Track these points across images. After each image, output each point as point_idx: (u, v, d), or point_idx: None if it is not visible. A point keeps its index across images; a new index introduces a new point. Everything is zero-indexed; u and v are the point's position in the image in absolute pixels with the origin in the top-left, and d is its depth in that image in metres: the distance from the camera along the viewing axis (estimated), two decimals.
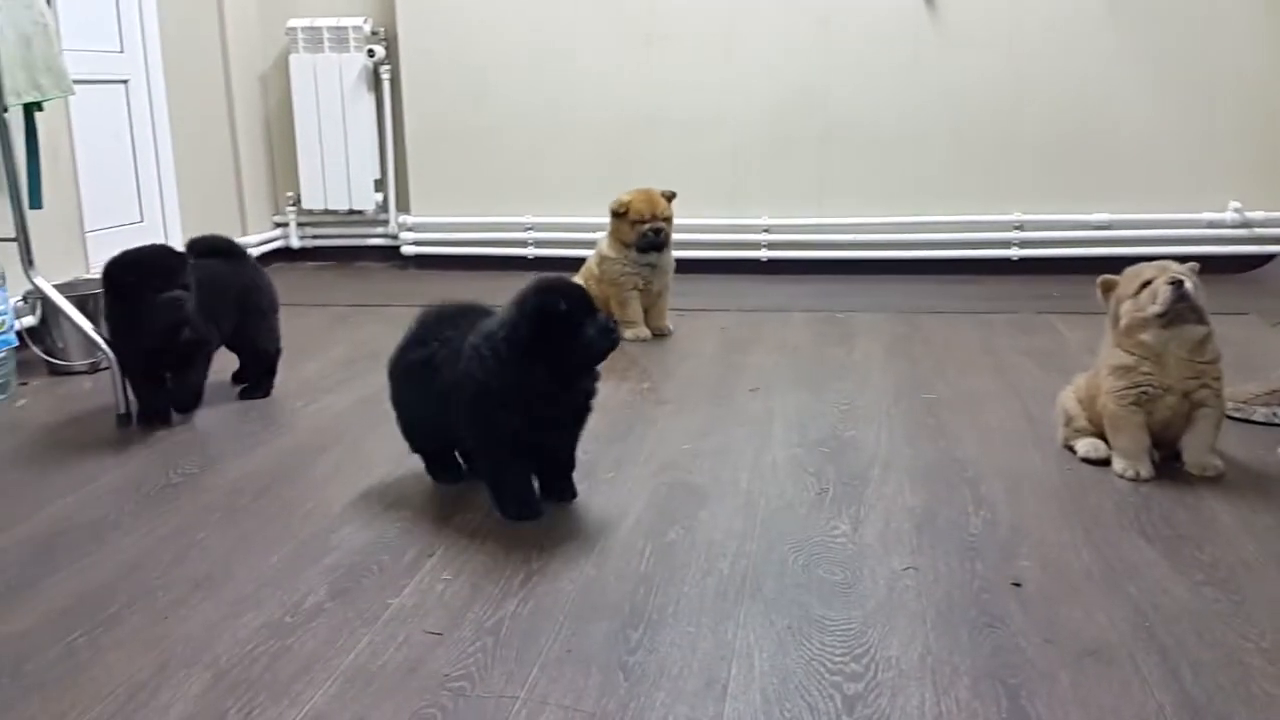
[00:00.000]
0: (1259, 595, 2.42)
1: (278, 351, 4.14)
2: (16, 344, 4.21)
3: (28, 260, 4.10)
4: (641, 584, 2.53)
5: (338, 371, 4.38)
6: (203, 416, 3.85)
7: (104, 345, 3.90)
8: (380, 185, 6.69)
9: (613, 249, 4.90)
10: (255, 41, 6.61)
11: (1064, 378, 3.56)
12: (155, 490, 3.19)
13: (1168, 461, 3.18)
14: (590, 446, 3.39)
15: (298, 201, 6.81)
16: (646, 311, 4.95)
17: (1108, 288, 3.20)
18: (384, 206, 6.75)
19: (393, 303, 5.58)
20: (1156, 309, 3.03)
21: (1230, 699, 2.02)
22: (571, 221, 6.26)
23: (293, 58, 6.55)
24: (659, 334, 4.95)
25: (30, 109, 4.34)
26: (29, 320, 4.43)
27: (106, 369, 3.94)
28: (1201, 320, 3.07)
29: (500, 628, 2.34)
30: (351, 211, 6.74)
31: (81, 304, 4.23)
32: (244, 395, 4.06)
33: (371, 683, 2.13)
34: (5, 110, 4.06)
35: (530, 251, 6.46)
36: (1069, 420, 3.34)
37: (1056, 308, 5.22)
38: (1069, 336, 4.71)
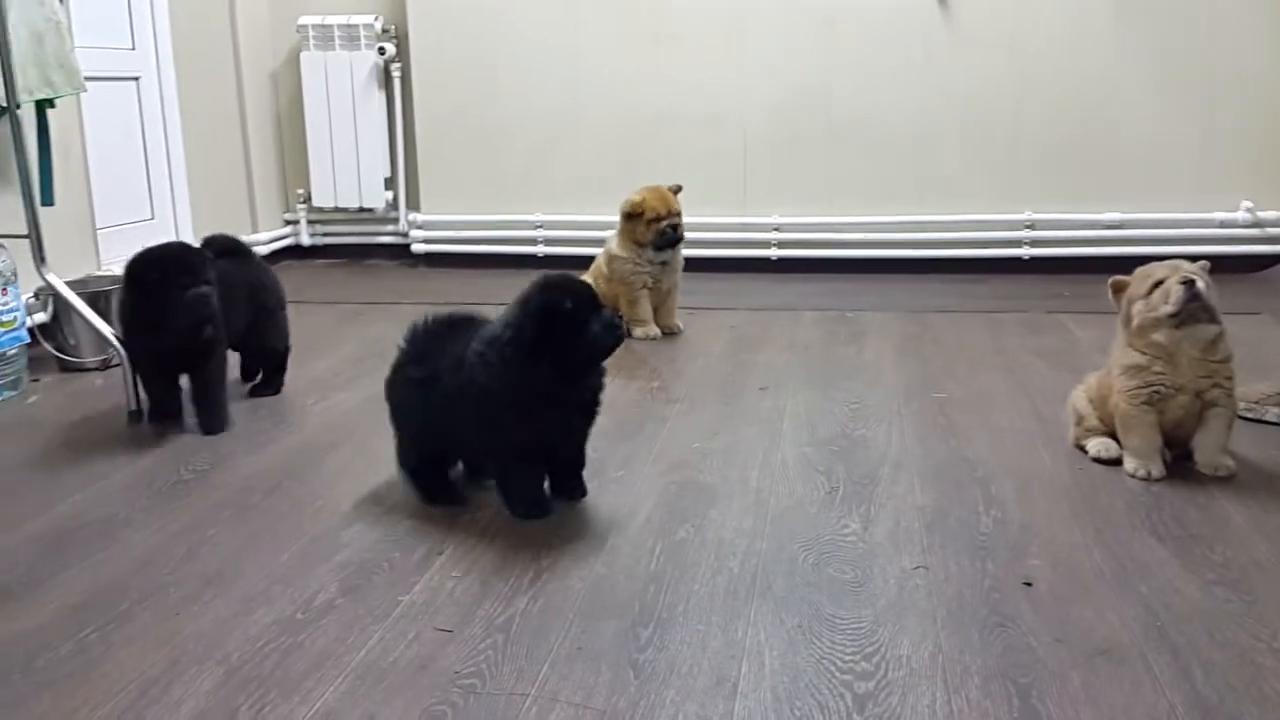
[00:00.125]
0: (1271, 595, 2.41)
1: (287, 349, 4.14)
2: (28, 340, 4.22)
3: (39, 257, 4.11)
4: (651, 582, 2.53)
5: (348, 369, 4.38)
6: None
7: (115, 342, 3.90)
8: (390, 183, 6.70)
9: (623, 248, 4.89)
10: (266, 39, 6.62)
11: (1075, 377, 3.56)
12: (166, 487, 3.20)
13: (1179, 461, 3.17)
14: (600, 445, 3.39)
15: (308, 199, 6.82)
16: (656, 310, 4.94)
17: (1119, 288, 3.19)
18: (394, 204, 6.76)
19: (403, 300, 5.59)
20: (1169, 309, 3.02)
21: (1242, 699, 2.02)
22: (581, 220, 6.26)
23: (304, 55, 6.56)
24: (668, 333, 4.95)
25: (42, 106, 4.35)
26: (40, 317, 4.44)
27: (118, 366, 3.94)
28: (1214, 320, 3.06)
29: (510, 625, 2.34)
30: (362, 209, 6.76)
31: (93, 301, 4.24)
32: (254, 393, 4.06)
33: (382, 680, 2.13)
34: (18, 107, 4.07)
35: (540, 250, 6.46)
36: (1080, 420, 3.34)
37: (1067, 307, 5.21)
38: (1080, 336, 4.71)
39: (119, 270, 4.78)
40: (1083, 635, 2.25)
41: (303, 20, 6.52)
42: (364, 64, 6.50)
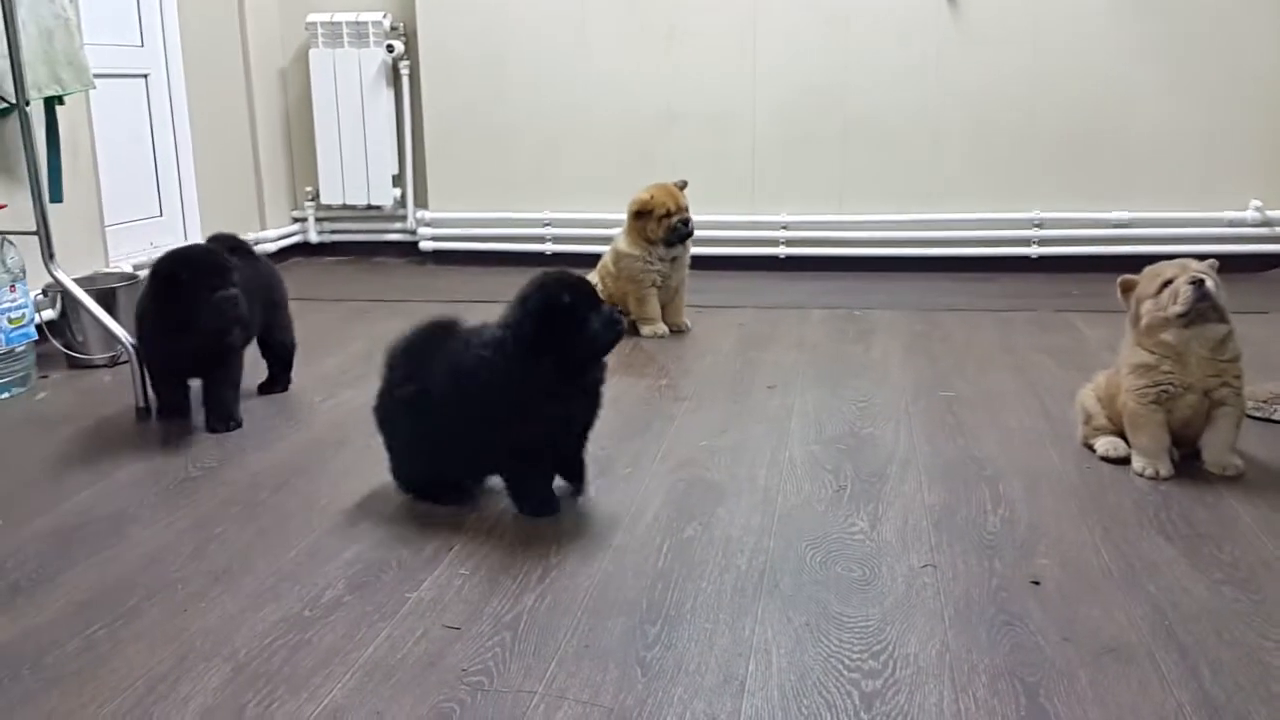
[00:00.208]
0: (1279, 595, 2.41)
1: (294, 345, 4.13)
2: (36, 337, 4.22)
3: (48, 254, 4.11)
4: (659, 580, 2.53)
5: (356, 366, 4.38)
6: None
7: (124, 339, 3.90)
8: (398, 181, 6.70)
9: (632, 246, 4.89)
10: (275, 36, 6.63)
11: (1083, 376, 3.55)
12: (174, 484, 3.20)
13: (1187, 460, 3.17)
14: (608, 442, 3.40)
15: (316, 196, 6.82)
16: (664, 308, 4.94)
17: (1127, 287, 3.19)
18: (402, 202, 6.75)
19: (411, 298, 5.59)
20: (1178, 309, 3.02)
21: (1249, 698, 2.02)
22: (589, 217, 6.25)
23: (312, 52, 6.56)
24: (677, 330, 4.95)
25: (51, 103, 4.36)
26: (49, 314, 4.45)
27: (126, 363, 3.94)
28: (1222, 319, 3.06)
29: (518, 622, 2.34)
30: (370, 207, 6.75)
31: (102, 298, 4.24)
32: (263, 390, 4.06)
33: (390, 677, 2.14)
34: (26, 104, 4.07)
35: (548, 247, 6.46)
36: (1088, 418, 3.34)
37: (1076, 306, 5.20)
38: (1088, 334, 4.70)
39: (128, 267, 4.81)
40: (1090, 634, 2.25)
41: (311, 18, 6.52)
42: (372, 61, 6.50)
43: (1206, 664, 2.13)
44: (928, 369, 4.25)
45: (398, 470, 3.06)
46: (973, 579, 2.51)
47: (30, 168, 4.07)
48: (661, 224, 4.82)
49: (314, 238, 6.89)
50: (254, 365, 4.03)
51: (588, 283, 2.89)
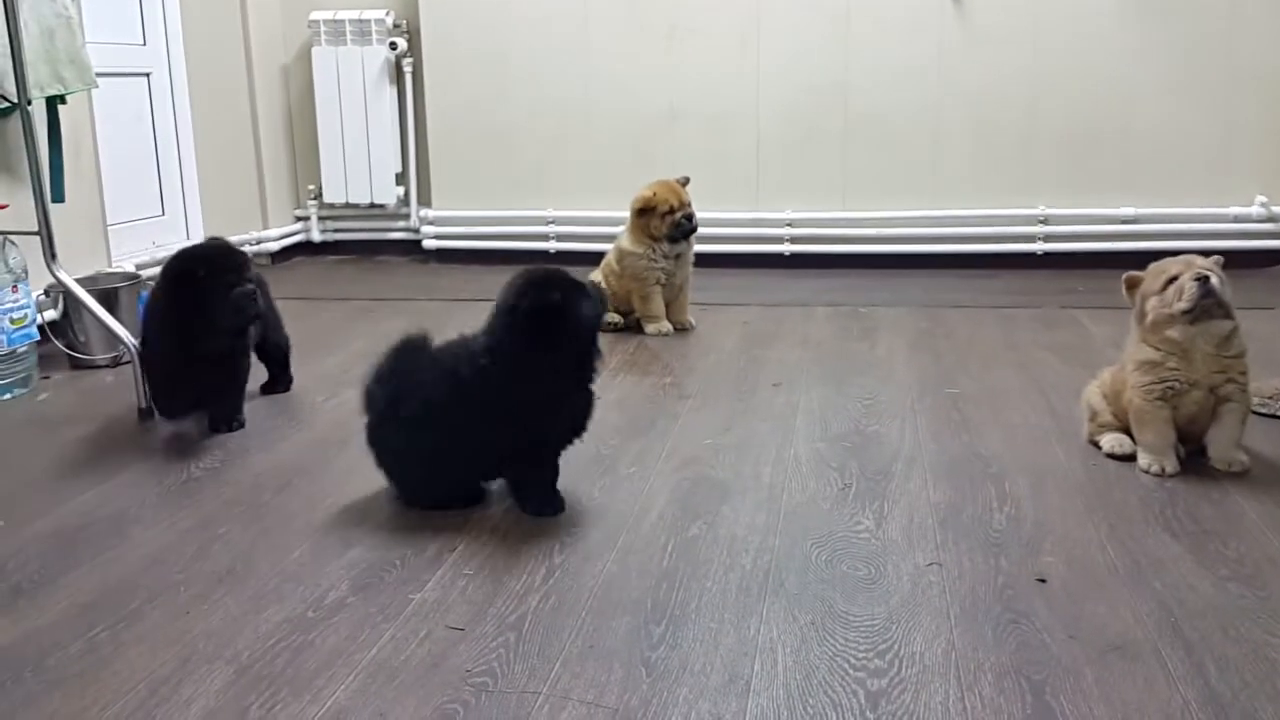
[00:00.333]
0: None
1: (288, 343, 4.11)
2: (38, 338, 4.21)
3: (50, 254, 4.10)
4: (664, 579, 2.53)
5: (359, 366, 4.32)
6: None
7: (127, 339, 3.89)
8: (401, 179, 6.69)
9: (635, 243, 4.88)
10: (277, 34, 6.63)
11: (1088, 373, 3.54)
12: (177, 484, 3.20)
13: (1193, 457, 3.16)
14: (612, 441, 3.40)
15: (319, 195, 6.81)
16: (668, 306, 4.94)
17: (1133, 284, 3.18)
18: (405, 200, 6.75)
19: (414, 297, 5.59)
20: (1183, 305, 3.01)
21: (1256, 695, 2.01)
22: (593, 215, 6.25)
23: (315, 50, 6.56)
24: (681, 328, 4.94)
25: (53, 102, 4.36)
26: (51, 314, 4.44)
27: (128, 363, 3.94)
28: (1228, 315, 3.05)
29: (522, 623, 2.33)
30: (373, 205, 6.75)
31: (104, 298, 4.24)
32: (266, 390, 4.05)
33: (394, 678, 2.13)
34: (28, 103, 4.06)
35: (552, 245, 6.46)
36: (1094, 415, 3.33)
37: (1081, 302, 5.20)
38: (1094, 331, 4.69)
39: (130, 267, 4.81)
40: (1096, 631, 2.24)
41: (314, 15, 6.52)
42: (375, 59, 6.49)
43: (1213, 660, 2.12)
44: (933, 366, 4.24)
45: (406, 491, 3.01)
46: (978, 577, 2.50)
47: (32, 167, 4.06)
48: (665, 221, 4.81)
49: (317, 236, 6.89)
50: (253, 366, 4.03)
51: (564, 272, 2.90)
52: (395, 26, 6.48)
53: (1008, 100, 5.99)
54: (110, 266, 4.91)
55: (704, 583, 2.50)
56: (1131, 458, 3.17)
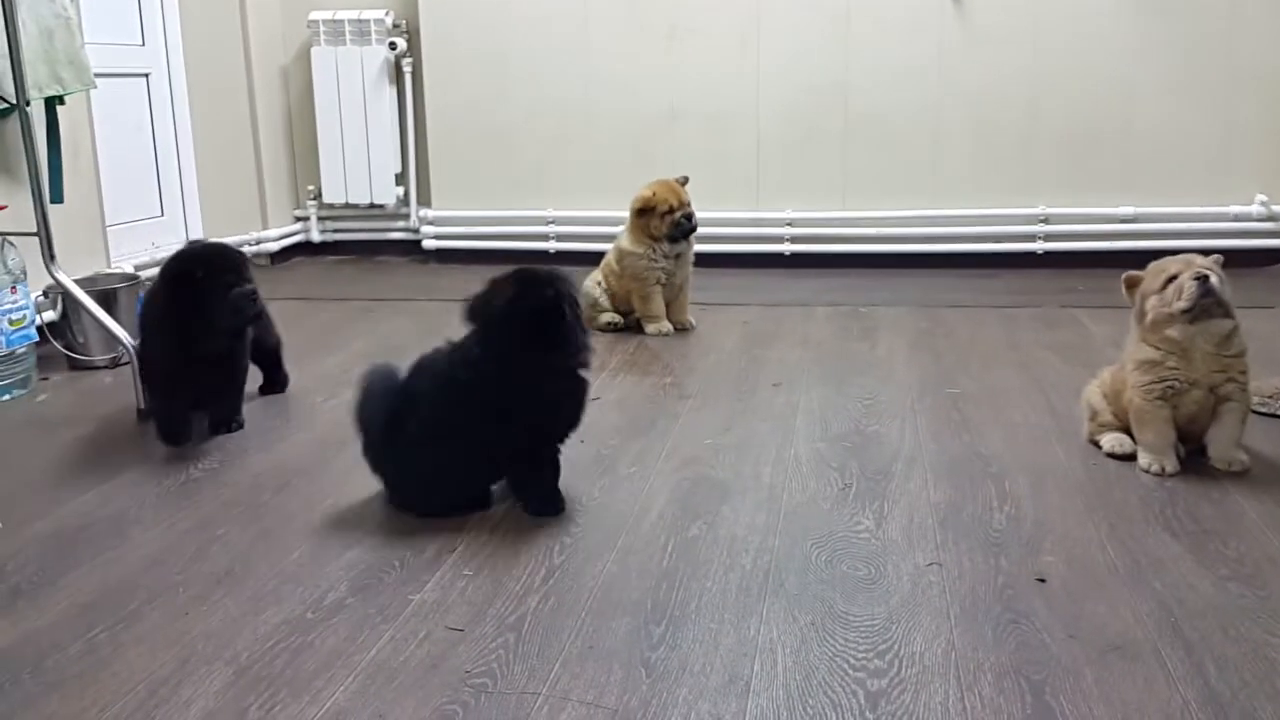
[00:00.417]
0: None
1: (279, 341, 4.07)
2: (37, 339, 4.21)
3: (49, 255, 4.10)
4: (664, 580, 2.52)
5: (358, 366, 4.31)
6: None
7: (126, 340, 3.89)
8: (401, 179, 6.69)
9: (635, 243, 4.88)
10: (277, 34, 6.62)
11: (1089, 372, 3.54)
12: (176, 485, 3.20)
13: (1193, 456, 3.16)
14: (612, 441, 3.40)
15: (318, 195, 6.81)
16: (668, 306, 4.93)
17: (1132, 283, 3.18)
18: (405, 200, 6.74)
19: (414, 297, 5.59)
20: (1182, 304, 3.01)
21: (1255, 694, 2.01)
22: (593, 215, 6.24)
23: (314, 50, 6.56)
24: (681, 328, 4.94)
25: (52, 103, 4.35)
26: (49, 315, 4.44)
27: (127, 364, 3.93)
28: (1227, 314, 3.05)
29: (522, 624, 2.33)
30: (372, 205, 6.75)
31: (103, 299, 4.23)
32: (264, 391, 4.04)
33: (393, 679, 2.13)
34: (27, 104, 4.06)
35: (552, 245, 6.45)
36: (1094, 415, 3.33)
37: (1081, 302, 5.19)
38: (1094, 330, 4.69)
39: (129, 268, 4.80)
40: (1096, 631, 2.24)
41: (313, 15, 6.52)
42: (375, 59, 6.49)
43: (1212, 660, 2.12)
44: (933, 366, 4.24)
45: (419, 503, 2.96)
46: (978, 577, 2.50)
47: (31, 168, 4.06)
48: (664, 220, 4.81)
49: (316, 237, 6.89)
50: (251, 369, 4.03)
51: (546, 268, 2.96)
52: (395, 26, 6.48)
53: (1008, 100, 5.98)
54: (109, 267, 4.90)
55: (704, 583, 2.50)
56: (1132, 457, 3.17)
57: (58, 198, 4.30)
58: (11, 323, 4.04)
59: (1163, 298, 3.06)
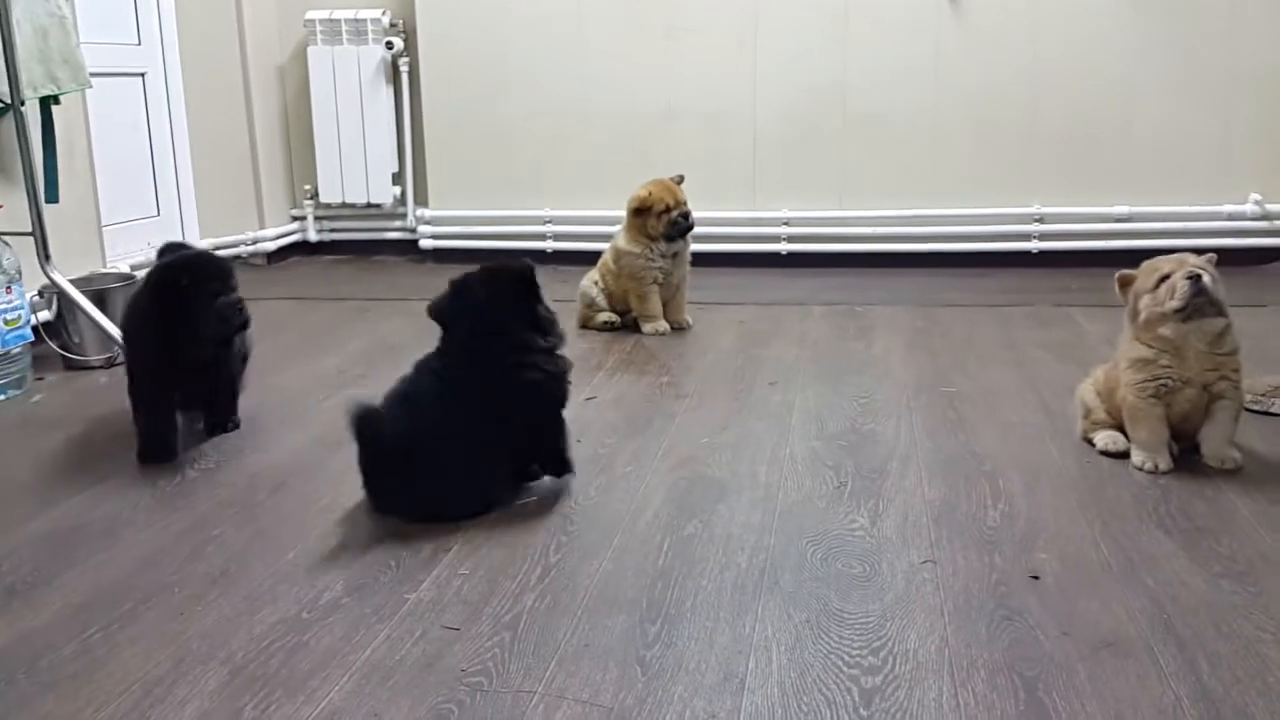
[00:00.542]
0: (1277, 588, 2.41)
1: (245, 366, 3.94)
2: (32, 339, 4.21)
3: (44, 255, 4.11)
4: (659, 578, 2.53)
5: (355, 365, 4.38)
6: None
7: (121, 340, 3.89)
8: (398, 179, 6.69)
9: (632, 243, 4.87)
10: (273, 34, 6.62)
11: (1083, 370, 3.55)
12: (172, 485, 3.20)
13: (1186, 454, 3.17)
14: (608, 440, 3.41)
15: (315, 195, 6.81)
16: (665, 305, 4.93)
17: (1125, 282, 3.18)
18: (402, 200, 6.74)
19: (410, 297, 5.58)
20: (1175, 303, 3.01)
21: (1247, 691, 2.01)
22: (590, 215, 6.25)
23: (311, 50, 6.56)
24: (678, 328, 4.94)
25: (47, 102, 4.36)
26: (45, 315, 4.43)
27: (122, 364, 3.93)
28: (1220, 313, 3.06)
29: (518, 622, 2.34)
30: (369, 205, 6.75)
31: (98, 299, 4.24)
32: (210, 431, 3.73)
33: (389, 678, 2.13)
34: (22, 104, 4.07)
35: (549, 245, 6.45)
36: (1088, 413, 3.33)
37: (1075, 300, 5.20)
38: (1088, 329, 4.70)
39: (125, 268, 4.80)
40: (1089, 628, 2.25)
41: (310, 15, 6.51)
42: (371, 59, 6.49)
43: (1205, 657, 2.13)
44: (928, 365, 4.24)
45: (453, 507, 2.91)
46: (972, 574, 2.51)
47: (26, 168, 4.07)
48: (661, 220, 4.81)
49: (313, 236, 6.89)
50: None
51: (498, 263, 3.06)
52: (391, 26, 6.48)
53: (1005, 100, 5.99)
54: (105, 267, 4.90)
55: (699, 581, 2.51)
56: (1125, 455, 3.17)
57: (53, 198, 4.30)
58: (7, 323, 4.05)
59: (1155, 296, 3.06)
